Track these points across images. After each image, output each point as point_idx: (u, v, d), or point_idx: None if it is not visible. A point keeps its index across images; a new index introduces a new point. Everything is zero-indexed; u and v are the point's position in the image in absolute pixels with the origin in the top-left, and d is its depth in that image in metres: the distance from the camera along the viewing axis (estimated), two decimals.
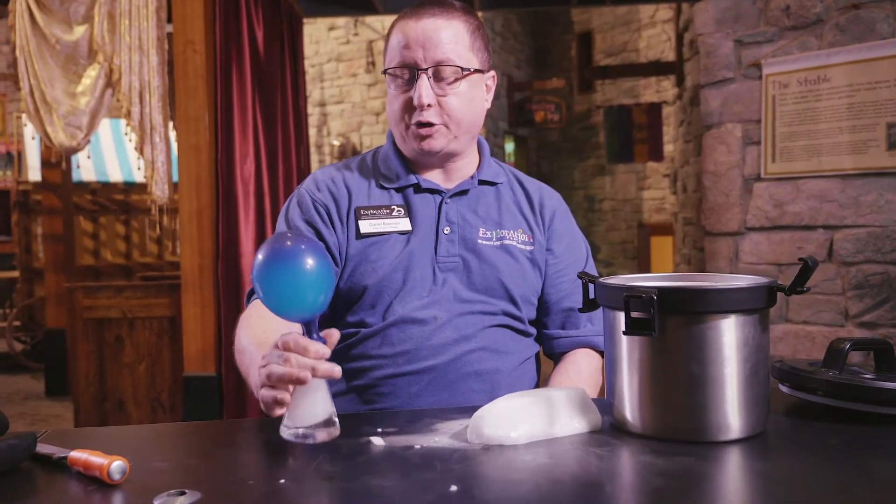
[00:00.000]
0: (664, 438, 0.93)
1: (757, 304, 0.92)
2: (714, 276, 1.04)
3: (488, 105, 1.39)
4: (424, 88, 1.27)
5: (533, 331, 1.39)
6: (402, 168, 1.37)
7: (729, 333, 0.92)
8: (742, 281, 0.99)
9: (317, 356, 0.92)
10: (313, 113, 10.09)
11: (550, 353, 1.45)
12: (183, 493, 0.77)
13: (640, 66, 7.92)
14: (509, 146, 10.45)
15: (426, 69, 1.28)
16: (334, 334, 0.99)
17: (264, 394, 0.94)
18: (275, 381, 0.92)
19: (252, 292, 1.33)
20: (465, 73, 1.30)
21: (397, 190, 1.37)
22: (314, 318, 0.97)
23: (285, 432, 0.93)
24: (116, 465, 0.81)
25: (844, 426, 0.98)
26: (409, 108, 1.30)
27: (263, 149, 3.81)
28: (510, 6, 5.37)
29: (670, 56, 7.55)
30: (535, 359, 1.42)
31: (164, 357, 3.86)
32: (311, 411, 0.93)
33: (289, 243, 0.97)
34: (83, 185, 6.57)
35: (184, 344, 3.46)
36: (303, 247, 0.96)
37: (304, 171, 4.51)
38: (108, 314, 3.88)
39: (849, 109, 2.74)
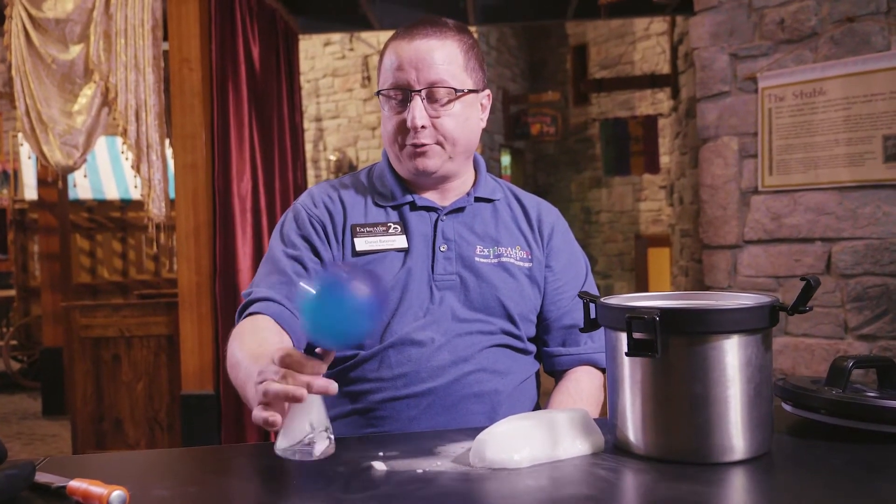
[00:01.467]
0: (667, 460, 0.93)
1: (759, 324, 0.92)
2: (715, 294, 1.04)
3: (483, 124, 1.38)
4: (418, 110, 1.27)
5: (532, 349, 1.38)
6: (397, 186, 1.37)
7: (732, 354, 0.91)
8: (743, 300, 0.98)
9: (312, 372, 0.92)
10: (309, 128, 10.11)
11: (551, 371, 1.44)
12: None
13: (635, 78, 7.95)
14: (505, 159, 10.47)
15: (419, 91, 1.27)
16: (330, 352, 0.98)
17: (257, 414, 0.92)
18: (271, 399, 0.91)
19: (245, 307, 1.31)
20: (458, 93, 1.29)
21: (393, 207, 1.36)
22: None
23: (280, 448, 0.93)
24: (116, 496, 0.80)
25: (848, 445, 0.97)
26: (403, 129, 1.29)
27: (260, 165, 3.82)
28: (504, 21, 5.40)
29: (665, 68, 7.58)
30: (534, 377, 1.41)
31: (161, 375, 3.84)
32: (305, 428, 0.92)
33: (345, 274, 0.98)
34: (79, 203, 6.56)
35: (182, 362, 3.45)
36: (357, 279, 0.96)
37: (300, 187, 4.51)
38: (105, 333, 3.87)
39: (845, 122, 2.75)
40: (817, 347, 2.77)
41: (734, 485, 0.88)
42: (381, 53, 1.35)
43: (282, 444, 0.93)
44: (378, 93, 1.33)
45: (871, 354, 2.62)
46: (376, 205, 1.36)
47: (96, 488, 0.81)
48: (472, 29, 8.69)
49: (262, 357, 1.09)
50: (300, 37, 4.87)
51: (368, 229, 1.32)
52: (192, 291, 3.41)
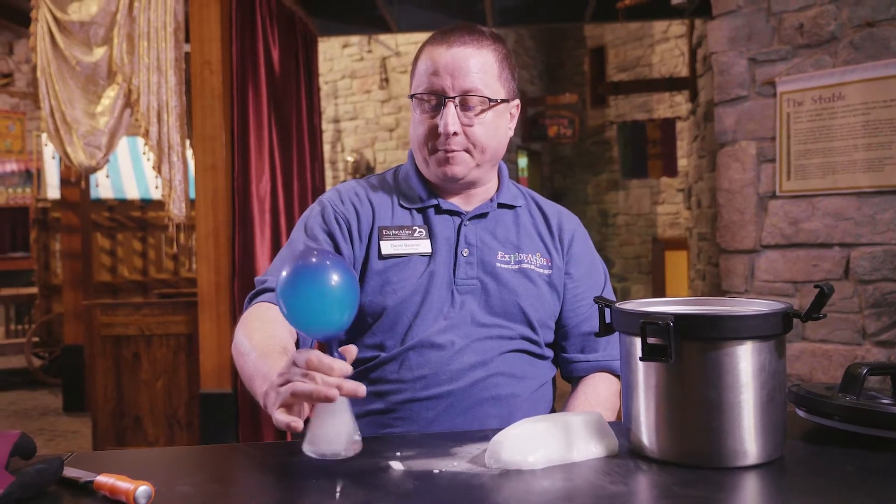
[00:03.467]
0: (681, 464, 0.94)
1: (773, 331, 0.93)
2: (730, 300, 1.05)
3: (511, 132, 1.39)
4: (451, 117, 1.28)
5: (550, 354, 1.40)
6: (423, 189, 1.38)
7: (745, 360, 0.92)
8: (758, 306, 0.99)
9: (341, 374, 0.92)
10: (327, 129, 10.16)
11: (569, 377, 1.45)
12: None
13: (653, 81, 7.93)
14: (522, 161, 10.47)
15: (454, 97, 1.28)
16: (352, 350, 0.99)
17: (279, 418, 0.93)
18: (300, 399, 0.92)
19: (254, 295, 1.33)
20: (491, 103, 1.30)
21: (418, 210, 1.37)
22: (339, 335, 0.97)
23: (308, 450, 0.93)
24: (142, 490, 0.82)
25: (862, 452, 0.98)
26: (434, 134, 1.30)
27: (279, 167, 3.85)
28: (522, 23, 5.41)
29: (683, 71, 7.55)
30: (551, 382, 1.42)
31: (180, 374, 3.89)
32: (335, 429, 0.93)
33: (314, 259, 0.97)
34: (101, 203, 6.64)
35: (200, 361, 3.49)
36: (328, 262, 0.97)
37: (318, 188, 4.54)
38: (125, 331, 3.92)
39: (864, 127, 2.74)
40: (835, 353, 2.76)
41: (747, 489, 0.89)
42: (417, 56, 1.36)
43: (310, 446, 0.93)
44: (412, 96, 1.34)
45: (887, 361, 2.61)
46: (402, 206, 1.38)
47: (123, 483, 0.84)
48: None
49: (272, 353, 1.11)
50: (319, 39, 4.90)
51: (394, 232, 1.34)
52: (211, 291, 3.45)
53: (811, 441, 1.04)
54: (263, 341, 1.16)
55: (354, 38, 9.68)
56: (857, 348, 2.74)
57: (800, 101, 2.82)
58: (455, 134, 1.29)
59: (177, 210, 3.51)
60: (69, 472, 0.92)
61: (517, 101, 1.40)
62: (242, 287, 3.47)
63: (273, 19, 3.88)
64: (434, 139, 1.31)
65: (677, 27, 8.77)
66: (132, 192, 7.09)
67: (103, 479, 0.87)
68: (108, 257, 6.43)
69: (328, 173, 10.10)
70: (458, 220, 1.37)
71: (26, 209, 8.69)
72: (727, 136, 3.02)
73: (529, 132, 9.39)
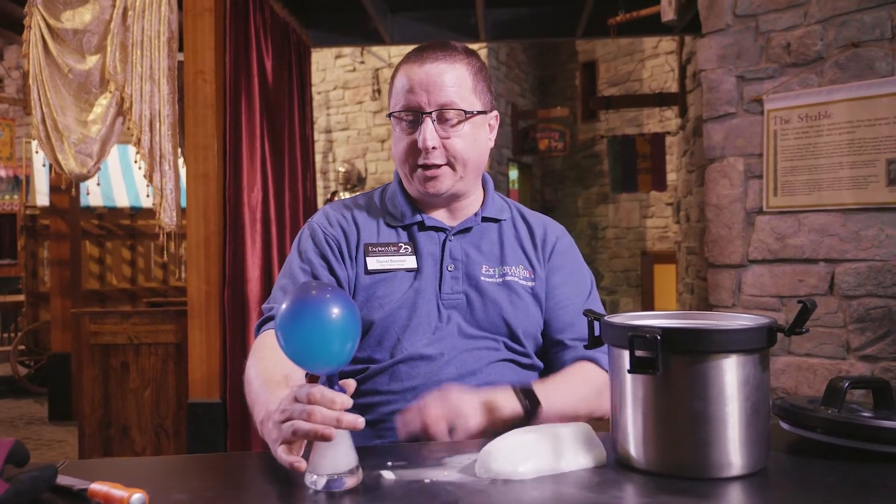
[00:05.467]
0: (667, 474, 0.96)
1: (758, 345, 0.95)
2: (716, 314, 1.07)
3: (492, 144, 1.42)
4: (429, 132, 1.30)
5: (540, 365, 1.41)
6: (407, 207, 1.41)
7: (730, 372, 0.94)
8: (743, 321, 1.01)
9: (342, 408, 0.92)
10: (319, 139, 10.18)
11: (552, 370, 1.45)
12: None
13: (643, 96, 8.00)
14: (513, 173, 10.52)
15: (430, 112, 1.31)
16: (351, 384, 1.00)
17: (282, 458, 0.94)
18: (300, 437, 0.93)
19: (262, 322, 1.35)
20: (468, 115, 1.33)
21: (403, 228, 1.40)
22: (339, 370, 0.96)
23: (310, 481, 0.92)
24: (136, 498, 0.83)
25: (844, 464, 1.00)
26: (414, 150, 1.33)
27: (271, 176, 3.86)
28: (515, 37, 5.46)
29: (673, 87, 7.63)
30: None
31: (169, 383, 3.87)
32: (335, 461, 0.92)
33: (314, 293, 0.95)
34: (90, 210, 6.63)
35: (189, 370, 3.48)
36: (328, 296, 0.95)
37: (310, 199, 4.56)
38: (114, 340, 3.91)
39: (849, 145, 2.78)
40: (819, 367, 2.80)
41: (731, 500, 0.90)
42: (392, 76, 1.39)
43: (311, 478, 0.93)
44: (390, 115, 1.37)
45: (868, 375, 2.64)
46: (388, 225, 1.40)
47: (117, 491, 0.85)
48: (483, 45, 8.77)
49: (272, 380, 1.14)
50: (313, 49, 4.93)
51: (380, 249, 1.36)
52: (201, 300, 3.45)
53: (794, 453, 1.06)
54: (267, 369, 1.19)
55: (347, 49, 9.72)
56: (842, 362, 2.77)
57: (787, 119, 2.86)
58: (434, 148, 1.31)
59: (168, 219, 3.51)
60: (63, 479, 0.92)
61: (495, 113, 1.43)
62: (232, 296, 3.47)
63: (267, 30, 3.90)
64: (415, 155, 1.33)
65: (668, 43, 8.86)
66: (122, 201, 7.07)
67: (97, 486, 0.87)
68: (96, 265, 6.40)
69: (319, 183, 10.11)
70: (442, 235, 1.39)
71: (14, 216, 8.66)
72: (715, 151, 3.06)
73: (520, 145, 9.45)
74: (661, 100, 6.74)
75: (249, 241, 3.60)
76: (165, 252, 3.59)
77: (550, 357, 1.43)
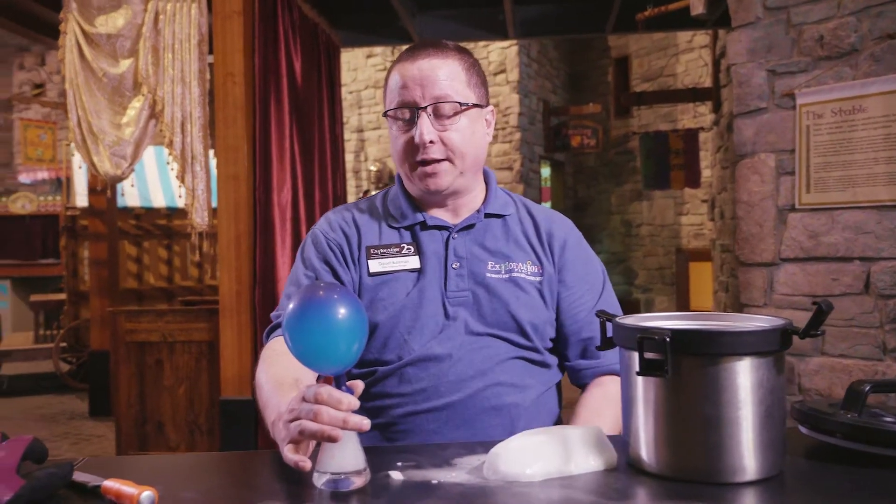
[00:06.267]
0: (679, 479, 0.94)
1: (771, 347, 0.93)
2: (730, 315, 1.05)
3: (489, 138, 1.42)
4: (425, 126, 1.30)
5: (551, 361, 1.40)
6: (408, 207, 1.41)
7: (743, 376, 0.92)
8: (757, 323, 0.99)
9: (349, 409, 0.93)
10: (351, 139, 10.24)
11: (577, 384, 1.46)
12: None
13: (676, 92, 7.90)
14: (545, 171, 10.46)
15: (425, 107, 1.31)
16: (359, 385, 1.00)
17: (288, 457, 0.95)
18: (307, 437, 0.94)
19: (271, 330, 1.36)
20: (463, 107, 1.33)
21: (406, 228, 1.40)
22: (346, 370, 0.97)
23: (318, 481, 0.93)
24: (146, 496, 0.85)
25: (862, 470, 0.98)
26: (412, 147, 1.33)
27: (300, 176, 3.90)
28: (543, 34, 5.42)
29: (707, 81, 7.51)
30: (555, 389, 1.43)
31: (202, 380, 3.93)
32: (342, 461, 0.93)
33: (321, 293, 0.96)
34: (128, 211, 6.75)
35: (221, 368, 3.52)
36: (335, 297, 0.95)
37: (339, 198, 4.59)
38: (149, 337, 3.98)
39: (885, 140, 2.71)
40: (854, 368, 2.73)
41: None
42: (386, 77, 1.40)
43: (319, 478, 0.94)
44: (385, 114, 1.37)
45: (891, 378, 2.57)
46: (390, 227, 1.40)
47: (128, 488, 0.86)
48: (513, 42, 8.73)
49: (283, 384, 1.14)
50: (342, 49, 4.96)
51: (382, 250, 1.36)
52: (233, 299, 3.49)
53: (812, 458, 1.04)
54: (277, 373, 1.20)
55: (378, 49, 9.75)
56: (878, 364, 2.70)
57: (819, 114, 2.80)
58: (432, 143, 1.31)
59: (199, 219, 3.57)
60: (79, 476, 0.94)
61: (491, 108, 1.43)
62: (263, 295, 3.51)
63: (296, 31, 3.93)
64: (413, 152, 1.33)
65: (702, 37, 8.73)
66: (158, 201, 7.19)
67: (110, 483, 0.89)
68: (134, 264, 6.52)
69: (351, 183, 10.17)
70: (445, 233, 1.39)
71: (56, 217, 8.85)
72: (746, 147, 3.00)
73: (552, 142, 9.39)
74: (694, 95, 6.65)
75: (279, 241, 3.64)
76: (198, 252, 3.64)
77: (568, 357, 1.42)
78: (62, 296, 6.95)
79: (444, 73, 1.32)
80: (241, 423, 3.49)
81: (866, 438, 1.00)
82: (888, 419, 1.02)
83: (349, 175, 10.26)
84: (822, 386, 2.80)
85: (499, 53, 9.17)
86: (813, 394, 2.85)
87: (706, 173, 7.81)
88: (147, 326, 3.99)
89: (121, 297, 5.73)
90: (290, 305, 0.95)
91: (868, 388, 1.04)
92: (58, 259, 8.43)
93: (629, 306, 9.85)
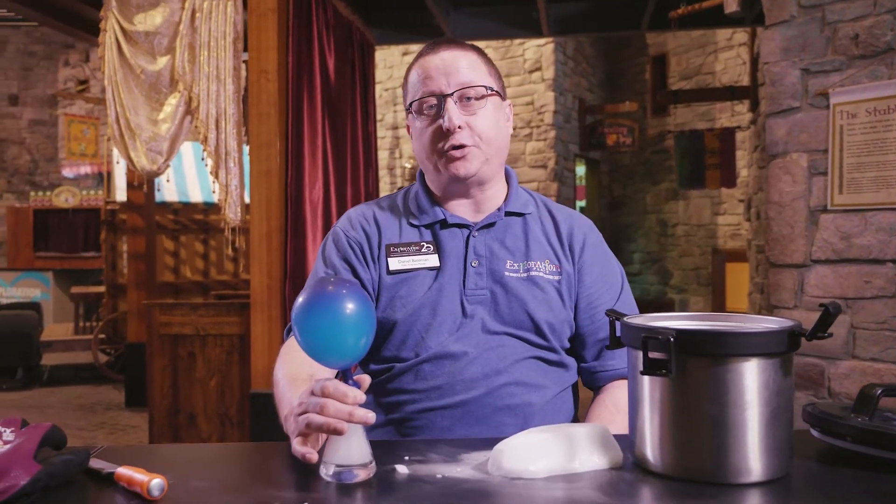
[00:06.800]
0: (684, 479, 0.94)
1: (777, 349, 0.93)
2: (740, 316, 1.04)
3: (510, 131, 1.45)
4: (453, 111, 1.33)
5: (568, 361, 1.40)
6: (429, 204, 1.42)
7: (748, 377, 0.92)
8: (765, 324, 0.99)
9: (354, 402, 0.95)
10: (386, 136, 10.29)
11: (590, 386, 1.46)
12: None
13: (712, 90, 7.79)
14: (580, 169, 10.40)
15: (452, 93, 1.33)
16: (366, 380, 1.02)
17: (296, 448, 0.97)
18: (314, 430, 0.96)
19: (291, 328, 1.39)
20: (489, 92, 1.36)
21: (426, 226, 1.41)
22: (353, 364, 0.99)
23: (324, 472, 0.96)
24: (155, 483, 0.88)
25: (871, 474, 0.96)
26: (440, 134, 1.34)
27: (332, 173, 3.94)
28: (578, 32, 5.40)
29: (746, 80, 7.40)
30: (571, 390, 1.43)
31: (233, 373, 4.00)
32: (348, 454, 0.95)
33: (330, 288, 0.98)
34: (166, 206, 6.88)
35: (251, 361, 3.58)
36: (344, 291, 0.97)
37: (371, 195, 4.62)
38: (182, 330, 4.06)
39: None
40: (886, 372, 2.68)
41: None
42: (406, 75, 1.42)
43: (325, 469, 0.96)
44: (409, 108, 1.40)
45: None
46: (410, 225, 1.42)
47: (139, 475, 0.89)
48: (549, 40, 8.69)
49: (298, 379, 1.17)
50: (378, 47, 4.99)
51: (402, 249, 1.38)
52: (263, 294, 3.55)
53: (822, 461, 1.03)
54: (292, 369, 1.23)
55: (414, 46, 9.78)
56: None
57: (853, 113, 2.74)
58: (460, 128, 1.33)
59: (232, 214, 3.63)
60: (94, 463, 0.98)
61: (509, 103, 1.46)
62: (294, 290, 3.56)
63: (329, 29, 3.97)
64: (440, 140, 1.35)
65: (741, 34, 8.59)
66: (196, 196, 7.32)
67: (123, 471, 0.92)
68: (171, 258, 6.65)
69: (386, 180, 10.22)
70: (466, 232, 1.40)
71: (98, 211, 9.06)
72: (778, 147, 2.96)
73: (588, 140, 9.33)
74: (731, 93, 6.55)
75: (311, 237, 3.68)
76: (230, 246, 3.70)
77: (585, 358, 1.42)
78: (102, 288, 7.12)
79: (465, 62, 1.36)
80: (271, 416, 3.50)
81: (877, 442, 0.98)
82: None
83: (384, 172, 10.31)
84: (853, 390, 2.75)
85: (534, 51, 9.14)
86: (843, 398, 2.80)
87: (743, 173, 7.70)
88: (180, 319, 4.06)
89: (158, 291, 5.85)
90: (299, 300, 0.97)
91: (880, 391, 1.03)
92: (99, 252, 8.63)
93: (663, 307, 9.75)
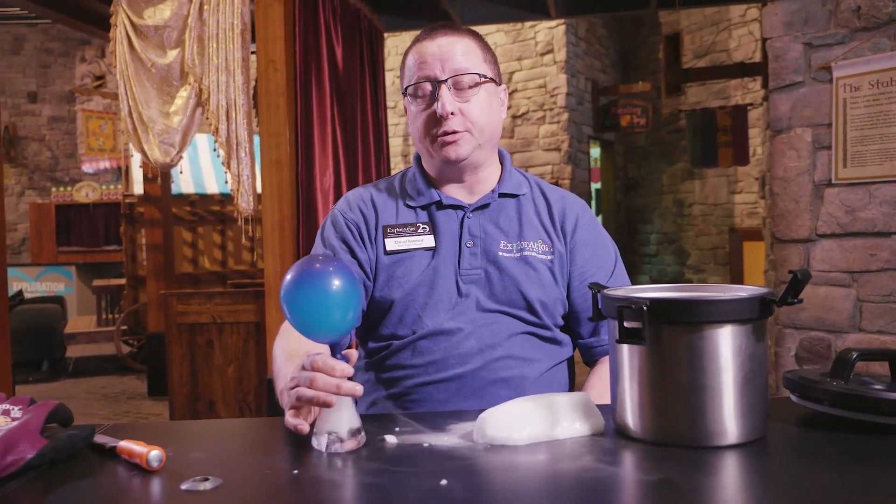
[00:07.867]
0: (662, 443, 0.98)
1: (749, 315, 0.96)
2: (716, 286, 1.07)
3: (504, 116, 1.47)
4: (446, 97, 1.36)
5: (562, 338, 1.44)
6: (425, 186, 1.46)
7: (721, 343, 0.95)
8: (737, 292, 1.02)
9: (342, 375, 1.00)
10: (399, 123, 10.31)
11: (588, 362, 1.50)
12: (207, 480, 0.87)
13: (724, 67, 7.72)
14: (595, 151, 10.37)
15: (445, 80, 1.36)
16: (353, 354, 1.07)
17: (288, 420, 1.03)
18: (304, 403, 1.01)
19: None
20: (482, 79, 1.38)
21: (422, 208, 1.45)
22: (341, 339, 1.03)
23: (315, 444, 1.00)
24: (154, 454, 0.93)
25: (847, 435, 0.99)
26: (433, 121, 1.38)
27: (343, 161, 3.98)
28: (586, 13, 5.38)
29: (759, 56, 7.34)
30: (566, 365, 1.47)
31: (250, 360, 4.08)
32: (337, 425, 0.99)
33: (317, 266, 1.02)
34: (183, 197, 6.96)
35: (267, 348, 3.64)
36: (330, 269, 1.01)
37: None
38: (199, 319, 4.14)
39: None
40: (892, 344, 2.68)
41: (724, 467, 0.91)
42: (403, 59, 1.45)
43: (316, 440, 1.01)
44: (404, 92, 1.43)
45: (880, 347, 2.51)
46: (407, 206, 1.46)
47: (139, 447, 0.94)
48: (560, 21, 8.65)
49: (295, 355, 1.22)
50: (389, 34, 5.01)
51: (398, 230, 1.42)
52: (277, 281, 3.59)
53: (801, 425, 1.06)
54: (289, 345, 1.29)
55: None
56: None
57: (857, 87, 2.74)
58: (452, 114, 1.36)
59: (245, 203, 3.68)
60: (99, 438, 1.03)
61: (504, 87, 1.48)
62: None
63: (337, 17, 3.99)
64: (433, 125, 1.38)
65: (754, 11, 8.50)
66: (212, 187, 7.40)
67: (124, 444, 0.97)
68: (189, 249, 6.74)
69: (400, 166, 10.25)
70: (461, 213, 1.43)
71: (118, 204, 9.18)
72: (782, 122, 2.96)
73: (601, 122, 9.30)
74: (743, 70, 6.51)
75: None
76: (245, 236, 3.75)
77: (581, 335, 1.46)
78: (123, 281, 7.23)
79: (461, 49, 1.38)
80: None
81: (851, 405, 1.01)
82: (876, 386, 1.03)
83: (398, 159, 10.35)
84: (860, 364, 2.75)
85: (546, 33, 9.11)
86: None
87: (758, 150, 7.65)
88: (197, 308, 4.14)
89: (177, 282, 5.94)
90: (287, 278, 1.01)
91: (855, 356, 1.06)
92: (119, 245, 8.75)
93: None
